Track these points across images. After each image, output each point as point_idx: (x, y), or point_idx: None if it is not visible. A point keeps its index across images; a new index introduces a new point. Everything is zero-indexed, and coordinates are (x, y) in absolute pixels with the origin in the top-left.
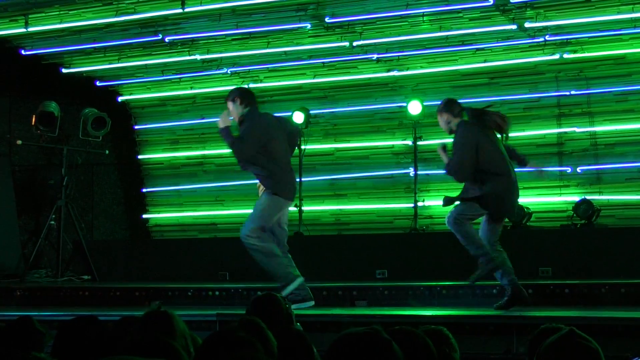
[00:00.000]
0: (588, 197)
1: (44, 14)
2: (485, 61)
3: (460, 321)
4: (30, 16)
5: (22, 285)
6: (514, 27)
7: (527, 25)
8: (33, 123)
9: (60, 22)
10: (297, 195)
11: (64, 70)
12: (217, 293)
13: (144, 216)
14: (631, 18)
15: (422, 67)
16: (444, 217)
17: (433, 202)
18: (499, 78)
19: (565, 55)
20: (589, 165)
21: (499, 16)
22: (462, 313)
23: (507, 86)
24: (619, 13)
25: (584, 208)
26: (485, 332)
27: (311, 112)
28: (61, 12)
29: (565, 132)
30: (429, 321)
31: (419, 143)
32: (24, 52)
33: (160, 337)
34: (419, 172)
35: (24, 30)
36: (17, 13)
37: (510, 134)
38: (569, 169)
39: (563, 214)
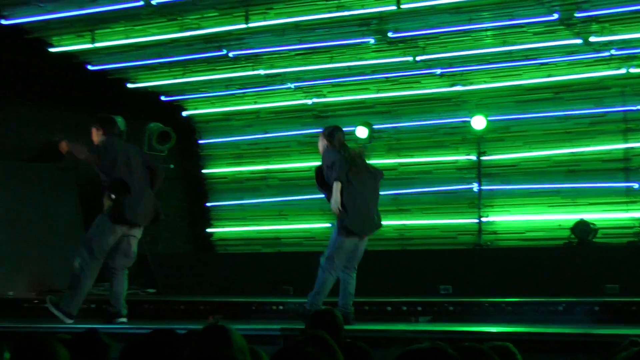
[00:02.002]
0: None
1: (110, 30)
2: (549, 76)
3: (525, 337)
4: (96, 32)
5: (88, 298)
6: (579, 41)
7: (592, 39)
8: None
9: (126, 38)
10: None
11: (130, 85)
12: (280, 307)
13: (208, 230)
14: None
15: (485, 82)
16: (509, 233)
17: (497, 218)
18: (563, 93)
19: (632, 70)
20: None
21: (563, 30)
22: (527, 329)
23: (572, 101)
24: None
25: None
26: (550, 349)
27: (374, 127)
28: (127, 28)
29: (632, 148)
30: (493, 337)
31: (483, 158)
32: (91, 67)
33: (218, 351)
34: (483, 188)
35: (90, 45)
36: (84, 29)
37: (576, 149)
38: (636, 185)
39: (630, 230)
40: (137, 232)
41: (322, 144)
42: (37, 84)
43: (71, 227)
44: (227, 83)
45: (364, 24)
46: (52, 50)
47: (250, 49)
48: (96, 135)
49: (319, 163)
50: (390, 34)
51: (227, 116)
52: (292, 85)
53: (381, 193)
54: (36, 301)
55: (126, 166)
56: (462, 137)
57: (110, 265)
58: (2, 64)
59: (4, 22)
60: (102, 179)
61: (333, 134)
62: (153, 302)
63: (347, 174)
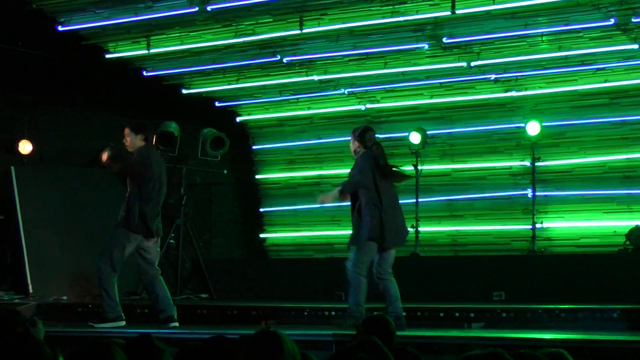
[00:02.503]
0: None
1: (165, 36)
2: (605, 81)
3: (579, 345)
4: (152, 38)
5: (142, 303)
6: (635, 46)
7: None
8: (153, 143)
9: (181, 44)
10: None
11: (184, 91)
12: (333, 313)
13: (261, 235)
14: None
15: (540, 88)
16: (563, 239)
17: (552, 224)
18: (619, 98)
19: None
20: None
21: (619, 35)
22: (582, 337)
23: (628, 106)
24: None
25: None
26: (605, 357)
27: (428, 132)
28: (182, 34)
29: None
30: (547, 344)
31: (538, 164)
32: (146, 73)
33: (269, 357)
34: (537, 194)
35: (146, 51)
36: (140, 35)
37: (631, 155)
38: None
39: None
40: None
41: (354, 145)
42: (93, 90)
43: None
44: (281, 89)
45: (418, 29)
46: (108, 56)
47: (304, 54)
48: (135, 140)
49: None
50: (444, 40)
51: (281, 122)
52: (346, 91)
53: (435, 199)
54: (90, 306)
55: (159, 178)
56: (517, 143)
57: (150, 273)
58: (58, 70)
59: (60, 28)
60: (133, 190)
61: (364, 134)
62: (206, 307)
63: (377, 186)
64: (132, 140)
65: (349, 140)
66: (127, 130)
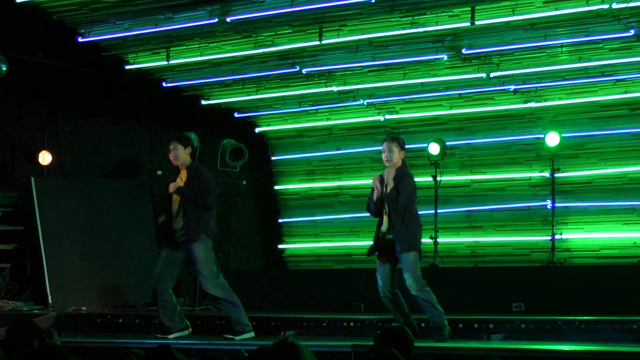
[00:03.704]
0: None
1: (184, 47)
2: (625, 92)
3: (600, 357)
4: (171, 49)
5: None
6: None
7: None
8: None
9: (201, 55)
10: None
11: (204, 102)
12: (351, 324)
13: (280, 246)
14: None
15: (560, 99)
16: (583, 251)
17: (571, 235)
18: (639, 109)
19: None
20: None
21: (639, 47)
22: (602, 348)
23: None
24: None
25: None
26: None
27: (447, 143)
28: (201, 45)
29: None
30: (567, 356)
31: (557, 175)
32: (166, 84)
33: None
34: (556, 205)
35: (165, 62)
36: (160, 46)
37: None
38: None
39: None
40: None
41: (399, 155)
42: (113, 101)
43: (146, 243)
44: (300, 99)
45: (437, 40)
46: (128, 67)
47: (323, 65)
48: (183, 154)
49: None
50: (464, 51)
51: (300, 132)
52: (365, 102)
53: (454, 210)
54: (109, 316)
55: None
56: (536, 154)
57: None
58: (79, 82)
59: (81, 40)
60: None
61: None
62: (225, 318)
63: None
64: (179, 154)
65: (368, 151)
66: (173, 144)
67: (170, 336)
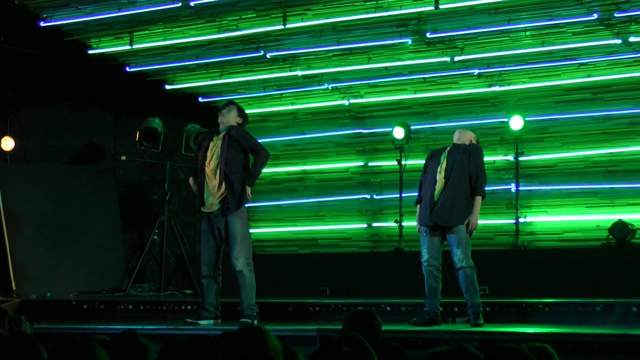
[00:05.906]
0: None
1: (148, 32)
2: (588, 76)
3: (563, 339)
4: (135, 34)
5: (126, 299)
6: (618, 41)
7: (631, 39)
8: (137, 139)
9: (164, 40)
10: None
11: (168, 87)
12: (317, 308)
13: None
14: None
15: (524, 82)
16: (547, 234)
17: (535, 218)
18: (602, 93)
19: None
20: None
21: (603, 30)
22: (565, 330)
23: (611, 101)
24: None
25: None
26: (588, 350)
27: (412, 127)
28: (165, 30)
29: None
30: (531, 339)
31: (521, 159)
32: (129, 69)
33: (254, 352)
34: (520, 188)
35: (129, 47)
36: (123, 31)
37: (614, 150)
38: None
39: None
40: None
41: (469, 137)
42: (76, 86)
43: (110, 228)
44: (265, 84)
45: (402, 24)
46: (91, 52)
47: (287, 49)
48: (234, 118)
49: (352, 164)
50: (428, 35)
51: (264, 117)
52: (329, 86)
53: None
54: (74, 302)
55: None
56: (500, 138)
57: None
58: (41, 67)
59: (43, 24)
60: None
61: None
62: (190, 303)
63: None
64: (231, 117)
65: (332, 135)
66: (229, 107)
67: (202, 322)
